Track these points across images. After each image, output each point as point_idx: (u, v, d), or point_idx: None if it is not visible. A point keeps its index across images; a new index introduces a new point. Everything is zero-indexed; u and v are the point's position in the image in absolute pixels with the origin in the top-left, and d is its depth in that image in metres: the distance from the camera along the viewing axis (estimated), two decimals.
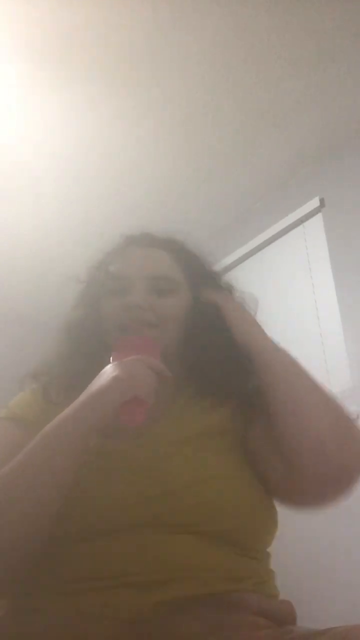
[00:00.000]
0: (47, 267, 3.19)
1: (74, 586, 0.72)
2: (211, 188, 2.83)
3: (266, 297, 2.73)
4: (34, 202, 2.80)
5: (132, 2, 1.97)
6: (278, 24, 2.06)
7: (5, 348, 3.34)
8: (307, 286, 2.63)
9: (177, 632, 0.67)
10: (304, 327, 2.55)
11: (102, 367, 0.81)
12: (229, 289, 1.02)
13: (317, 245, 2.65)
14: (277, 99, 2.38)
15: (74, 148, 2.53)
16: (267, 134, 2.56)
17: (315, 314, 2.56)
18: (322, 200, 2.65)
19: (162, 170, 2.70)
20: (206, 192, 2.84)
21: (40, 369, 0.98)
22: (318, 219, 2.67)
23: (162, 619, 0.68)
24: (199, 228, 3.06)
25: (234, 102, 2.38)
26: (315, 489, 0.79)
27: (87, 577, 0.72)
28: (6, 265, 3.18)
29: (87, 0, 1.96)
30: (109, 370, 0.79)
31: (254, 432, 0.87)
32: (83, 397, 0.77)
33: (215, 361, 0.92)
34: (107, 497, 0.76)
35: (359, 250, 2.46)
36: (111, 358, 0.84)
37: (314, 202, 2.66)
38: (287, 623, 0.74)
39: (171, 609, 0.69)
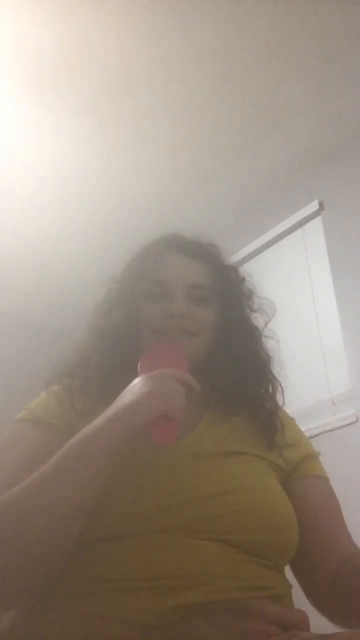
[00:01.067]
0: (47, 269, 3.19)
1: (89, 587, 0.71)
2: (210, 190, 2.83)
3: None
4: (34, 206, 2.80)
5: (132, 5, 1.97)
6: (278, 27, 2.07)
7: (4, 351, 3.33)
8: (307, 288, 2.63)
9: (191, 637, 0.67)
10: (303, 330, 2.55)
11: (135, 375, 0.80)
12: (250, 296, 1.04)
13: (316, 248, 2.65)
14: (277, 101, 2.38)
15: (73, 152, 2.53)
16: (267, 137, 2.56)
17: (315, 316, 2.56)
18: (321, 203, 2.65)
19: (161, 172, 2.71)
20: (205, 194, 2.84)
21: (67, 372, 0.96)
22: (317, 222, 2.67)
23: (176, 624, 0.68)
24: (198, 230, 3.06)
25: (233, 104, 2.38)
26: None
27: (104, 578, 0.72)
28: (6, 268, 3.18)
29: (85, 5, 1.96)
30: (139, 385, 0.77)
31: (294, 488, 0.90)
32: (112, 411, 0.75)
33: (244, 379, 0.94)
34: (132, 501, 0.76)
35: (358, 253, 2.46)
36: (139, 365, 0.84)
37: (314, 205, 2.67)
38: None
39: (186, 614, 0.69)
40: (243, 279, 1.04)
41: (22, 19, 1.99)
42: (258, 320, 1.03)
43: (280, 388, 1.00)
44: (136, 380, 0.79)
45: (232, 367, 0.94)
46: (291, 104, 2.40)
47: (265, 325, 1.03)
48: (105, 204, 2.85)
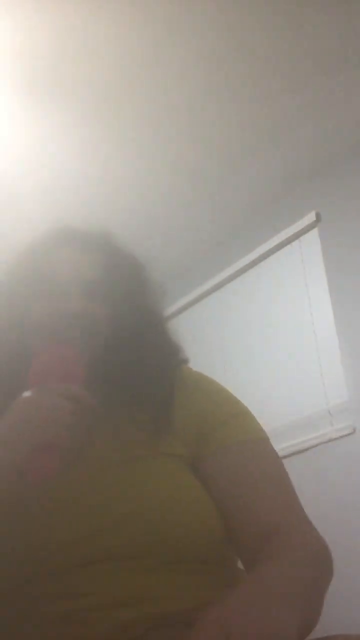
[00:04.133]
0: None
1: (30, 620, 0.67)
2: (208, 202, 2.85)
3: (262, 311, 2.75)
4: (32, 214, 2.81)
5: (129, 17, 1.99)
6: (276, 41, 2.09)
7: None
8: (304, 300, 2.64)
9: None
10: (300, 341, 2.55)
11: (23, 386, 0.74)
12: (146, 283, 0.95)
13: (313, 259, 2.66)
14: (275, 113, 2.40)
15: (68, 168, 2.55)
16: (265, 149, 2.58)
17: (312, 327, 2.57)
18: (318, 215, 2.67)
19: (158, 183, 2.72)
20: (203, 206, 2.86)
21: None
22: (314, 234, 2.69)
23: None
24: (195, 242, 3.08)
25: (231, 116, 2.40)
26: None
27: (39, 612, 0.67)
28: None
29: (81, 12, 1.98)
30: (15, 410, 0.71)
31: (205, 469, 0.81)
32: None
33: (145, 376, 0.85)
34: (44, 536, 0.70)
35: (354, 264, 2.48)
36: (29, 377, 0.75)
37: (310, 217, 2.68)
38: None
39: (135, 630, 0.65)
40: (140, 267, 0.95)
41: (19, 25, 2.00)
42: (158, 308, 0.94)
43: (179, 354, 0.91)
44: (15, 402, 0.72)
45: (131, 367, 0.85)
46: (289, 116, 2.42)
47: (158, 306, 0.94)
48: (102, 214, 2.86)
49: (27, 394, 0.72)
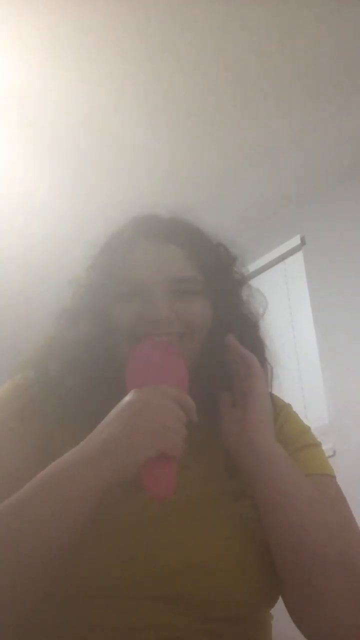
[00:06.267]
0: (37, 280, 3.16)
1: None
2: (194, 222, 2.86)
3: None
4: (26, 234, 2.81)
5: (122, 35, 2.02)
6: (267, 64, 2.13)
7: None
8: (287, 321, 2.66)
9: None
10: (283, 363, 2.56)
11: (113, 395, 0.66)
12: (242, 283, 0.85)
13: (297, 281, 2.69)
14: (263, 137, 2.44)
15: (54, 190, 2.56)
16: (251, 172, 2.61)
17: (294, 349, 2.58)
18: (303, 239, 2.70)
19: (143, 204, 2.73)
20: None
21: (30, 393, 0.77)
22: (299, 257, 2.72)
23: None
24: None
25: (220, 138, 2.43)
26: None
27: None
28: None
29: (79, 19, 2.00)
30: (129, 410, 0.62)
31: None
32: (94, 443, 0.61)
33: None
34: (123, 561, 0.64)
35: (337, 287, 2.51)
36: (127, 376, 0.68)
37: (295, 240, 2.71)
38: None
39: None
40: (234, 260, 0.87)
41: (16, 15, 2.02)
42: (253, 310, 0.85)
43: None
44: (125, 402, 0.64)
45: (226, 379, 0.76)
46: (276, 140, 2.45)
47: (262, 315, 0.84)
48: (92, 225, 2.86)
49: (136, 395, 0.63)
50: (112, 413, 0.63)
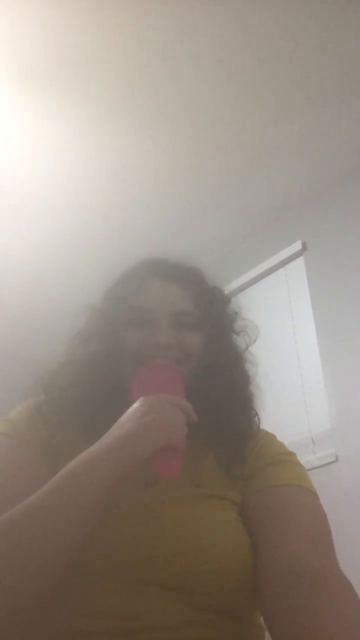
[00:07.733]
0: (38, 288, 3.18)
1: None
2: (195, 229, 2.87)
3: None
4: (26, 221, 2.82)
5: (123, 42, 2.03)
6: (267, 71, 2.14)
7: None
8: (288, 327, 2.66)
9: None
10: (285, 368, 2.56)
11: (119, 406, 0.77)
12: (234, 318, 1.00)
13: (298, 287, 2.69)
14: (264, 143, 2.45)
15: (64, 179, 2.57)
16: (253, 178, 2.62)
17: (296, 354, 2.58)
18: (304, 244, 2.71)
19: (145, 210, 2.75)
20: (190, 233, 2.88)
21: (42, 402, 0.90)
22: (300, 262, 2.72)
23: None
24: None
25: (221, 144, 2.44)
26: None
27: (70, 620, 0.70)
28: None
29: (78, 25, 2.02)
30: (139, 412, 0.73)
31: (248, 508, 0.82)
32: (110, 439, 0.71)
33: (228, 412, 0.90)
34: (101, 550, 0.72)
35: (339, 293, 2.51)
36: (134, 388, 0.81)
37: (296, 246, 2.72)
38: None
39: None
40: (228, 301, 1.01)
41: (12, 32, 2.02)
42: (241, 343, 1.00)
43: (257, 417, 0.97)
44: (135, 406, 0.75)
45: (217, 397, 0.89)
46: (278, 146, 2.46)
47: (247, 348, 1.00)
48: (94, 235, 2.87)
49: (143, 400, 0.75)
50: (124, 416, 0.74)
